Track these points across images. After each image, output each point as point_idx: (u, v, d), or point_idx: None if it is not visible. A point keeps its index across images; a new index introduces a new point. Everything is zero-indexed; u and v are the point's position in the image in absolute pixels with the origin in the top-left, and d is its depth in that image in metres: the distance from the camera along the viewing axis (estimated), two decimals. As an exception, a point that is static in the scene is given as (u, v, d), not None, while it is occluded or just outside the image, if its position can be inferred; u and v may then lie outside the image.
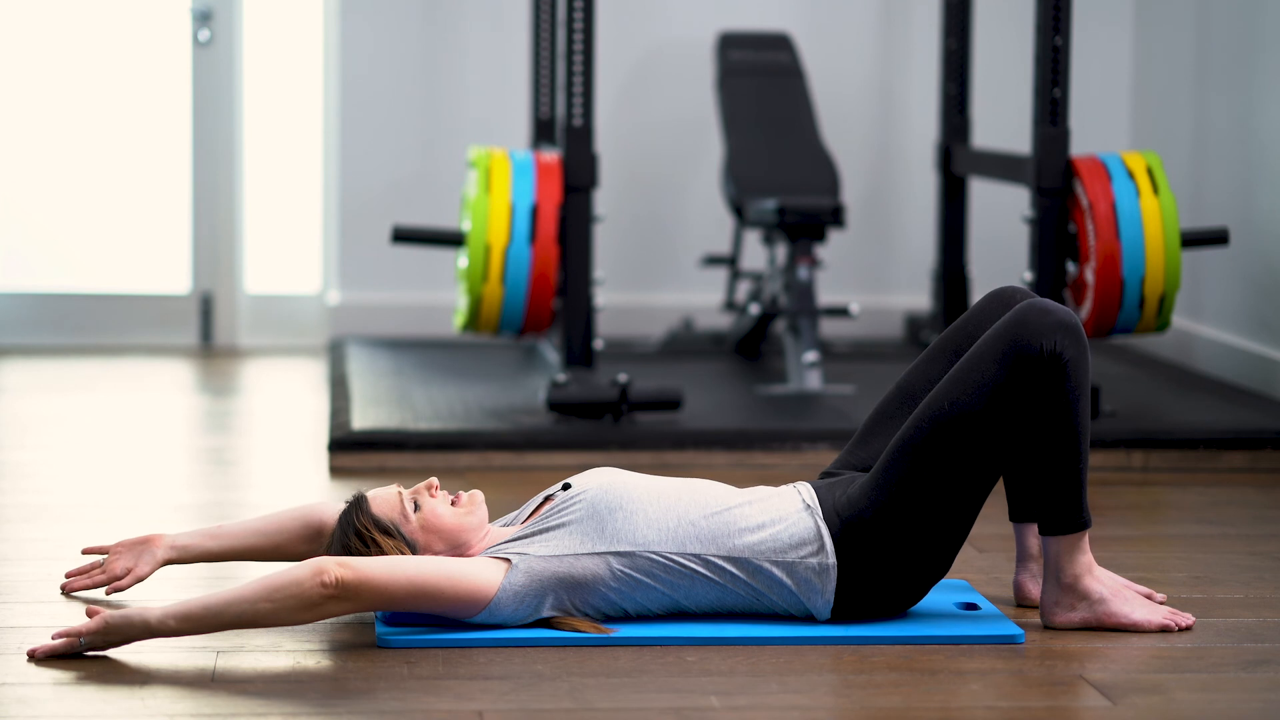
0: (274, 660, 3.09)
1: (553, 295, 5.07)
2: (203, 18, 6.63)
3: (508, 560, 3.18)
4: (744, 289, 6.53)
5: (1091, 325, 4.97)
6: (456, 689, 2.96)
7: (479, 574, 3.15)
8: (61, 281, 6.72)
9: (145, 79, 6.70)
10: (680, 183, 6.74)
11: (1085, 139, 5.97)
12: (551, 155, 5.18)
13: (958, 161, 6.05)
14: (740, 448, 4.84)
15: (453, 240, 5.19)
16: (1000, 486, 3.86)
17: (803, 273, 5.62)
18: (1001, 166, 5.52)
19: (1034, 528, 3.42)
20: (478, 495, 3.28)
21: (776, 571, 3.22)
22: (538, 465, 4.77)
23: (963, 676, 3.06)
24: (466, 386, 5.51)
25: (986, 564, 3.75)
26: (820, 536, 3.22)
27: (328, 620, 3.23)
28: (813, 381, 5.45)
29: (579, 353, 5.13)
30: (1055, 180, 5.01)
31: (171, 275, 6.73)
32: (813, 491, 3.29)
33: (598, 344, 5.17)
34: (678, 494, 3.26)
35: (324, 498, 4.42)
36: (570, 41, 5.10)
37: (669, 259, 6.73)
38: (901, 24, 6.75)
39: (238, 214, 6.69)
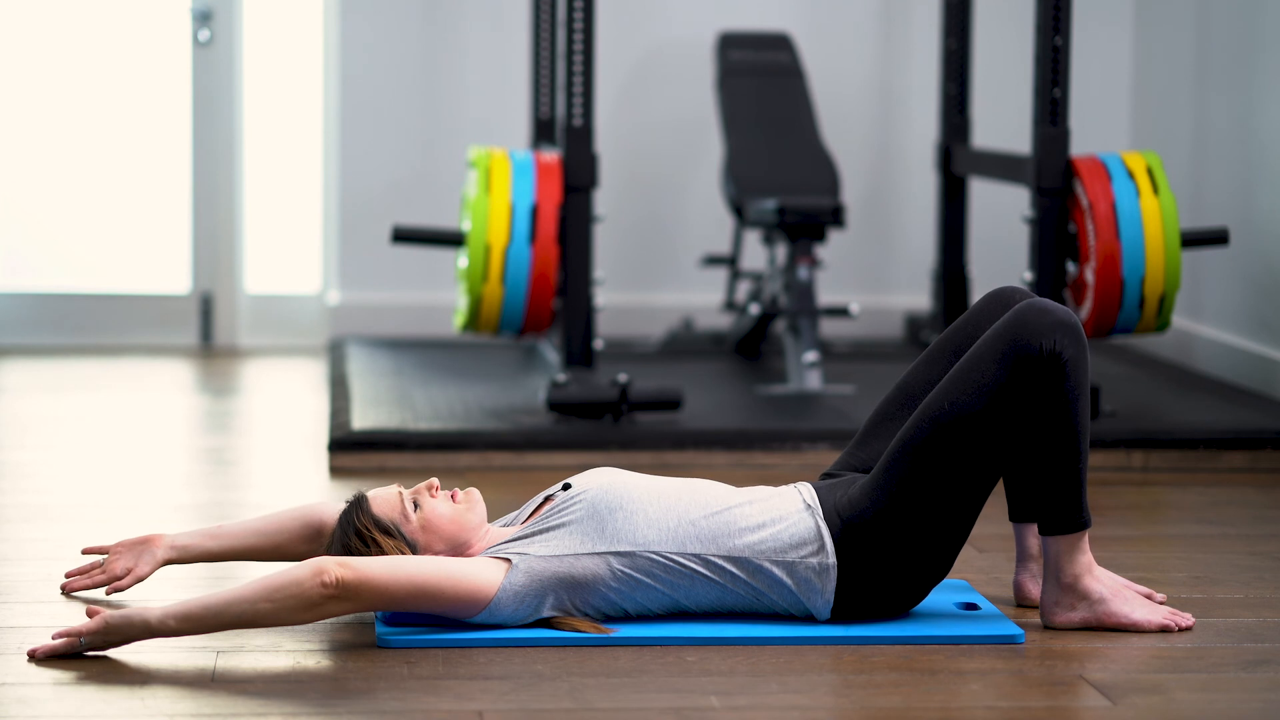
0: (274, 660, 3.09)
1: (553, 295, 5.07)
2: (203, 18, 6.63)
3: (508, 560, 3.18)
4: (744, 289, 6.53)
5: (1091, 325, 4.97)
6: (456, 689, 2.96)
7: (479, 574, 3.15)
8: (61, 281, 6.72)
9: (145, 79, 6.70)
10: (680, 183, 6.74)
11: (1085, 139, 5.97)
12: (551, 155, 5.18)
13: (958, 161, 6.05)
14: (740, 448, 4.84)
15: (453, 240, 5.19)
16: (1000, 486, 3.86)
17: (803, 273, 5.62)
18: (1001, 166, 5.52)
19: (1034, 528, 3.43)
20: (475, 493, 3.28)
21: (776, 571, 3.22)
22: (538, 465, 4.77)
23: (963, 676, 3.06)
24: (466, 386, 5.51)
25: (986, 564, 3.76)
26: (820, 536, 3.22)
27: (328, 620, 3.23)
28: (813, 381, 5.45)
29: (579, 353, 5.13)
30: (1055, 180, 5.01)
31: (171, 275, 6.73)
32: (813, 491, 3.29)
33: (598, 344, 5.17)
34: (678, 494, 3.26)
35: (324, 498, 4.42)
36: (570, 41, 5.10)
37: (669, 259, 6.73)
38: (901, 24, 6.75)
39: (238, 214, 6.69)
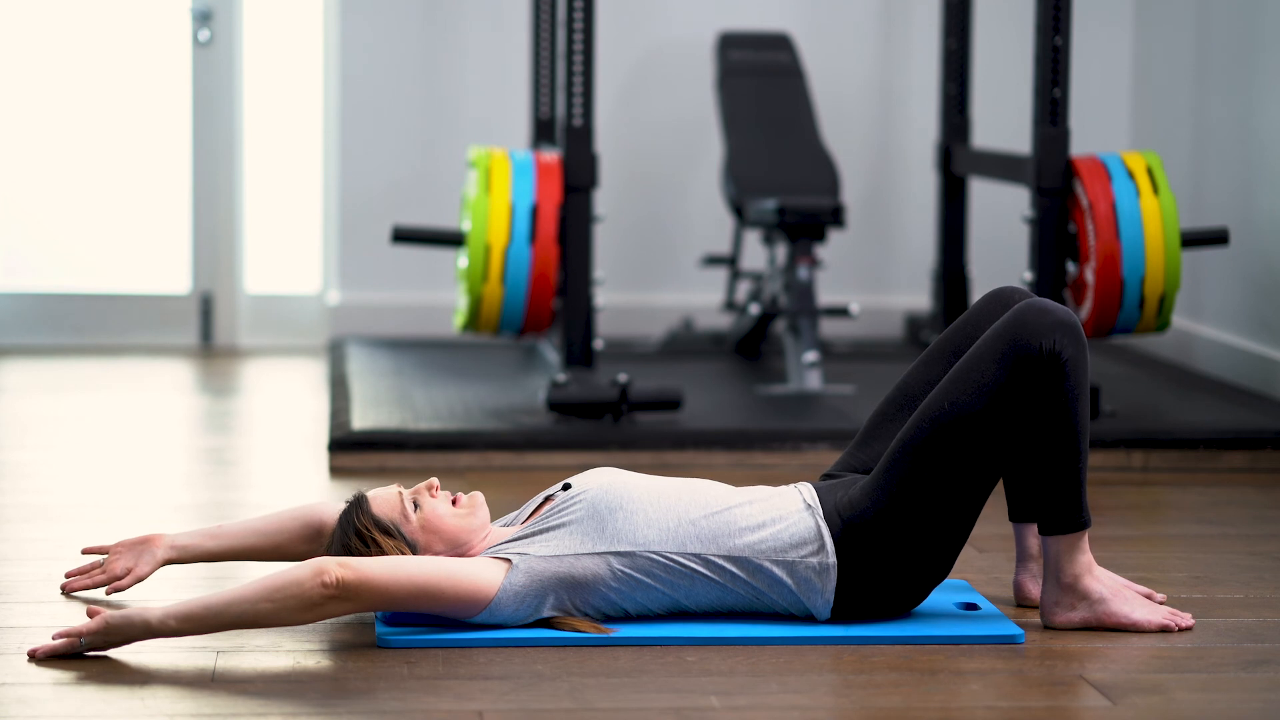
0: (274, 660, 3.09)
1: (553, 295, 5.07)
2: (203, 18, 6.63)
3: (508, 560, 3.18)
4: (744, 289, 6.53)
5: (1091, 325, 4.97)
6: (456, 689, 2.96)
7: (479, 574, 3.15)
8: (61, 281, 6.72)
9: (145, 79, 6.70)
10: (680, 183, 6.74)
11: (1085, 139, 5.97)
12: (551, 155, 5.18)
13: (958, 161, 6.05)
14: (740, 448, 4.84)
15: (453, 240, 5.19)
16: (1000, 486, 3.86)
17: (803, 273, 5.62)
18: (1001, 166, 5.52)
19: (1034, 528, 3.42)
20: (478, 497, 3.28)
21: (777, 571, 3.22)
22: (538, 465, 4.77)
23: (963, 676, 3.06)
24: (466, 386, 5.51)
25: (986, 564, 3.76)
26: (820, 536, 3.22)
27: (328, 620, 3.23)
28: (813, 381, 5.45)
29: (579, 353, 5.13)
30: (1055, 180, 5.01)
31: (171, 275, 6.73)
32: (813, 491, 3.29)
33: (598, 344, 5.17)
34: (678, 494, 3.26)
35: (324, 498, 4.42)
36: (570, 41, 5.10)
37: (669, 259, 6.73)
38: (901, 24, 6.75)
39: (238, 214, 6.69)
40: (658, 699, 2.93)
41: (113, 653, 3.08)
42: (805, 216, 5.62)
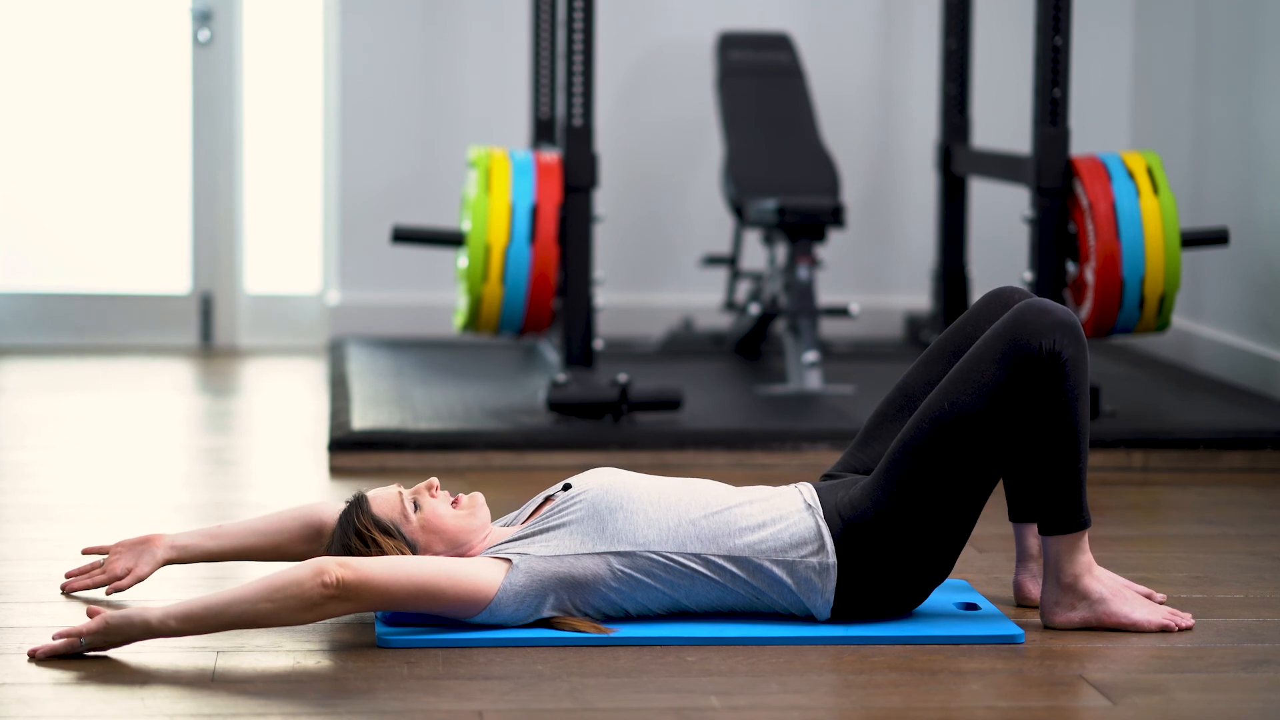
0: (274, 660, 3.09)
1: (553, 295, 5.07)
2: (203, 18, 6.63)
3: (508, 560, 3.18)
4: (744, 289, 6.53)
5: (1091, 325, 4.97)
6: (456, 689, 2.96)
7: (480, 574, 3.15)
8: (61, 281, 6.72)
9: (145, 79, 6.70)
10: (680, 183, 6.74)
11: (1085, 139, 5.97)
12: (551, 155, 5.18)
13: (958, 161, 6.05)
14: (740, 448, 4.84)
15: (453, 240, 5.19)
16: (1000, 486, 3.86)
17: (803, 273, 5.62)
18: (1001, 166, 5.52)
19: (1034, 528, 3.42)
20: (478, 497, 3.28)
21: (777, 570, 3.22)
22: (538, 465, 4.77)
23: (963, 676, 3.06)
24: (466, 386, 5.51)
25: (986, 564, 3.76)
26: (821, 536, 3.22)
27: (328, 620, 3.23)
28: (813, 381, 5.45)
29: (579, 353, 5.13)
30: (1055, 180, 5.01)
31: (171, 275, 6.73)
32: (814, 491, 3.29)
33: (598, 344, 5.17)
34: (678, 494, 3.26)
35: (324, 498, 4.42)
36: (570, 41, 5.10)
37: (669, 259, 6.73)
38: (901, 24, 6.75)
39: (238, 214, 6.69)
40: (658, 699, 2.93)
41: (113, 653, 3.08)
42: (805, 216, 5.62)
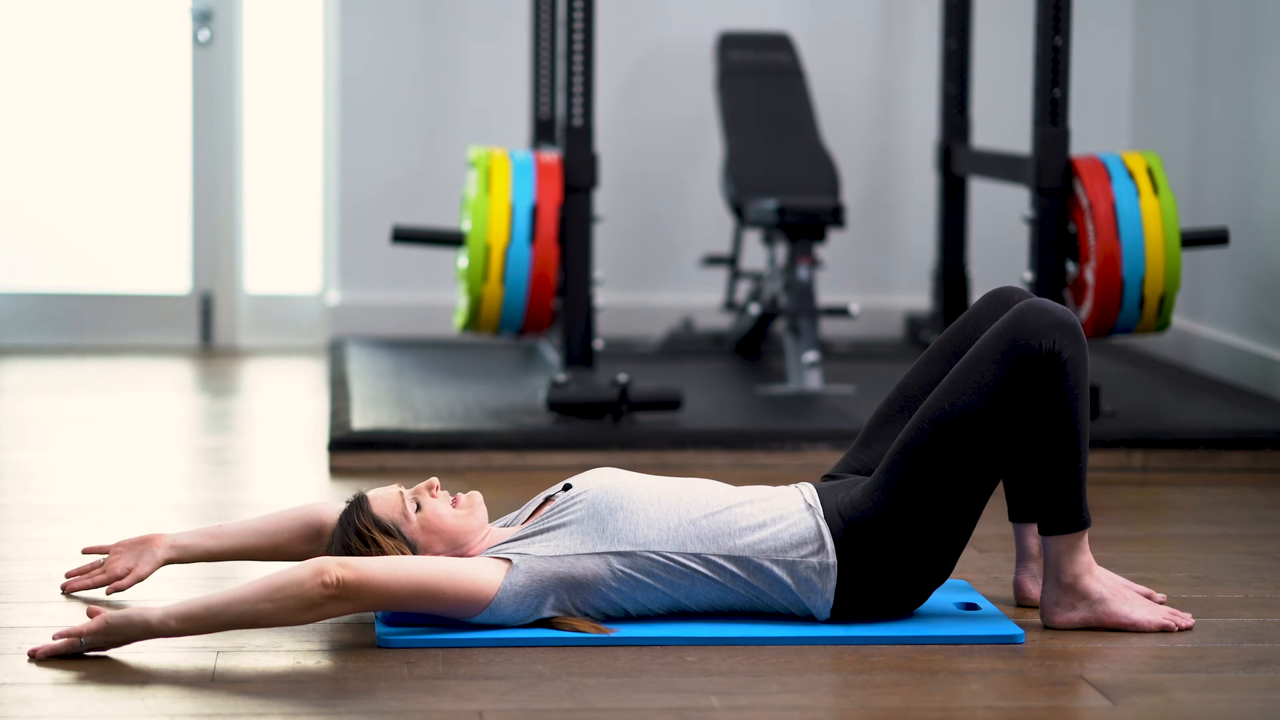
0: (274, 660, 3.09)
1: (553, 295, 5.07)
2: (203, 18, 6.63)
3: (508, 560, 3.18)
4: (744, 289, 6.53)
5: (1091, 325, 4.97)
6: (456, 689, 2.96)
7: (480, 574, 3.15)
8: (61, 281, 6.72)
9: (145, 79, 6.70)
10: (680, 183, 6.74)
11: (1085, 139, 5.97)
12: (551, 155, 5.18)
13: (958, 161, 6.05)
14: (740, 448, 4.84)
15: (453, 240, 5.19)
16: (1000, 487, 3.86)
17: (803, 273, 5.62)
18: (1001, 166, 5.52)
19: (1034, 528, 3.42)
20: (476, 496, 3.28)
21: (777, 570, 3.22)
22: (538, 465, 4.77)
23: (963, 676, 3.06)
24: (466, 386, 5.51)
25: (986, 564, 3.76)
26: (821, 536, 3.22)
27: (328, 620, 3.23)
28: (813, 381, 5.45)
29: (579, 353, 5.13)
30: (1055, 180, 5.01)
31: (171, 275, 6.73)
32: (814, 492, 3.29)
33: (598, 344, 5.17)
34: (678, 494, 3.26)
35: (324, 498, 4.42)
36: (570, 41, 5.10)
37: (669, 259, 6.73)
38: (901, 24, 6.75)
39: (238, 214, 6.69)
40: (658, 699, 2.93)
41: (113, 653, 3.08)
42: (805, 216, 5.62)
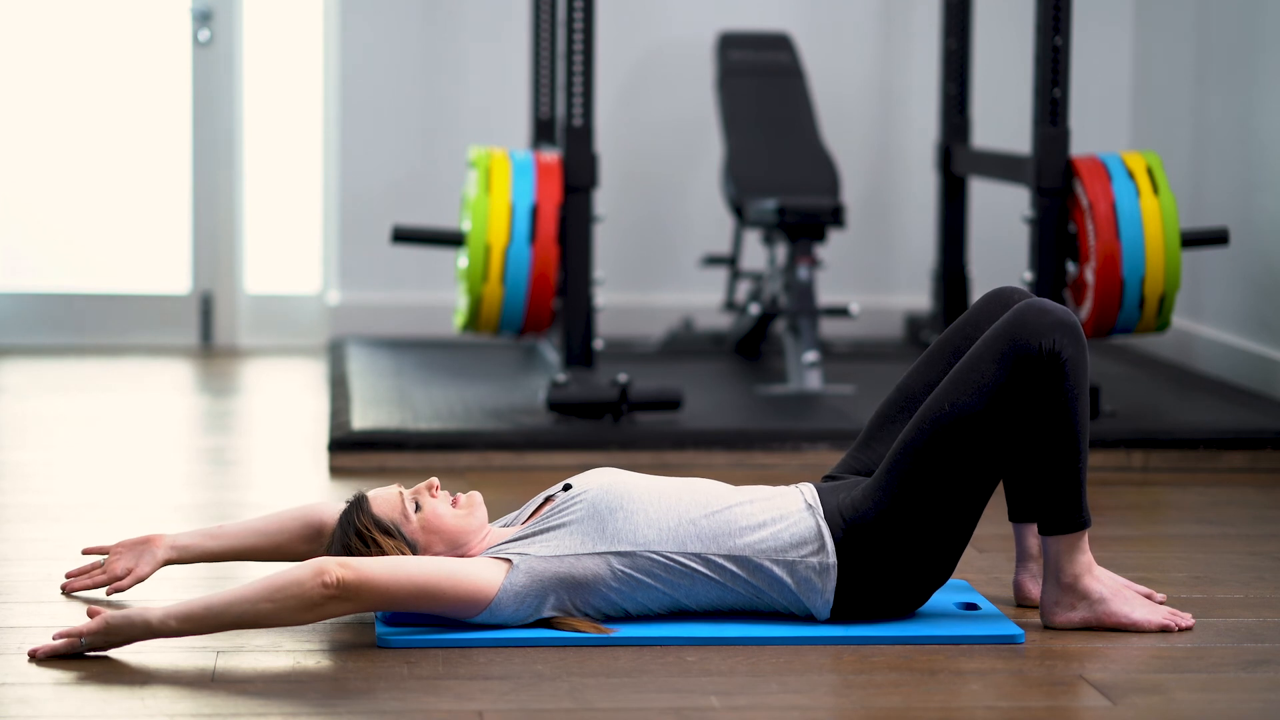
0: (274, 660, 3.09)
1: (553, 295, 5.07)
2: (203, 18, 6.63)
3: (509, 560, 3.18)
4: (744, 289, 6.53)
5: (1091, 325, 4.97)
6: (456, 689, 2.96)
7: (480, 574, 3.15)
8: (61, 281, 6.72)
9: (145, 79, 6.70)
10: (680, 183, 6.74)
11: (1085, 139, 5.97)
12: (551, 155, 5.18)
13: (958, 161, 6.05)
14: (740, 448, 4.84)
15: (453, 240, 5.19)
16: (1000, 487, 3.86)
17: (803, 273, 5.62)
18: (1001, 166, 5.52)
19: (1034, 528, 3.43)
20: (476, 496, 3.28)
21: (777, 570, 3.22)
22: (538, 465, 4.77)
23: (963, 676, 3.06)
24: (466, 386, 5.51)
25: (986, 564, 3.76)
26: (821, 536, 3.22)
27: (328, 620, 3.23)
28: (813, 381, 5.45)
29: (579, 353, 5.13)
30: (1055, 180, 5.01)
31: (171, 275, 6.73)
32: (815, 492, 3.29)
33: (598, 344, 5.17)
34: (678, 493, 3.26)
35: (324, 498, 4.42)
36: (570, 41, 5.10)
37: (669, 259, 6.73)
38: (901, 24, 6.75)
39: (238, 214, 6.69)
40: (658, 699, 2.93)
41: (113, 653, 3.08)
42: (805, 216, 5.62)
